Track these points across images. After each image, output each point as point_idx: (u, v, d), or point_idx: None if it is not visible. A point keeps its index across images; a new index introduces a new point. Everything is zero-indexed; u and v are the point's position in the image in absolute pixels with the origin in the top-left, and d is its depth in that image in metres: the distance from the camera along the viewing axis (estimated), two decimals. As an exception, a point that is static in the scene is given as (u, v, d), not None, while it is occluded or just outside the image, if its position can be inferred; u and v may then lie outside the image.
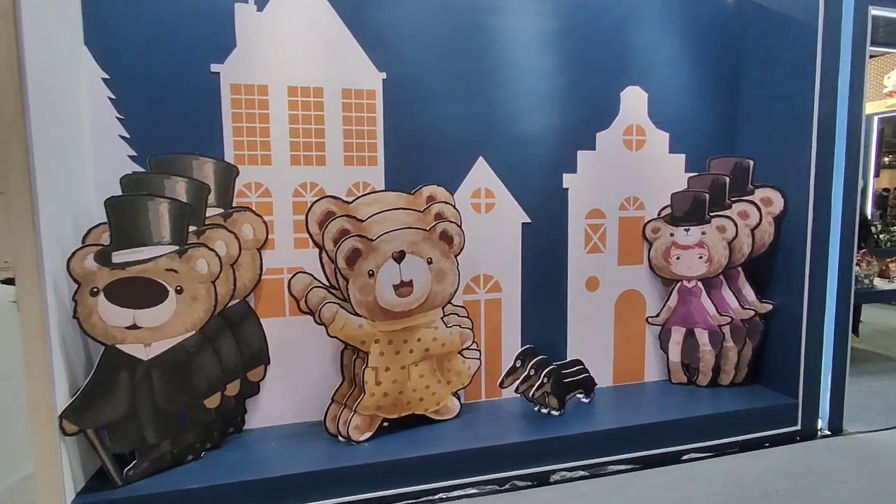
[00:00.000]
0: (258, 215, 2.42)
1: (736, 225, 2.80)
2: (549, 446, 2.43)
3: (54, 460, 1.91)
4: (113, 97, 2.26)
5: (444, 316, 2.59)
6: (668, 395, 2.93)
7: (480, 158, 2.72)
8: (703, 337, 2.93)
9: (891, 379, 3.66)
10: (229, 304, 2.33)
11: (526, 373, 2.52)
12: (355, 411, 2.35)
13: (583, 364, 2.79)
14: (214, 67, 2.36)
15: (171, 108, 2.32)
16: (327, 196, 2.39)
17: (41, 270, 1.84)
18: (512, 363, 2.55)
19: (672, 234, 2.93)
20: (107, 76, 2.25)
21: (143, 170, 2.25)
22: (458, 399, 2.65)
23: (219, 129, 2.39)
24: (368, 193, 2.50)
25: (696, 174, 2.97)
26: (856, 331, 4.92)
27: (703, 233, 2.87)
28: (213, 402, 2.21)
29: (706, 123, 3.06)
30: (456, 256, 2.51)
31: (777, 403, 2.80)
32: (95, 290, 1.94)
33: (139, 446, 2.08)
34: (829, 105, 2.63)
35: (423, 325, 2.47)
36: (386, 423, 2.46)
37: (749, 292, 2.95)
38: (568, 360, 2.79)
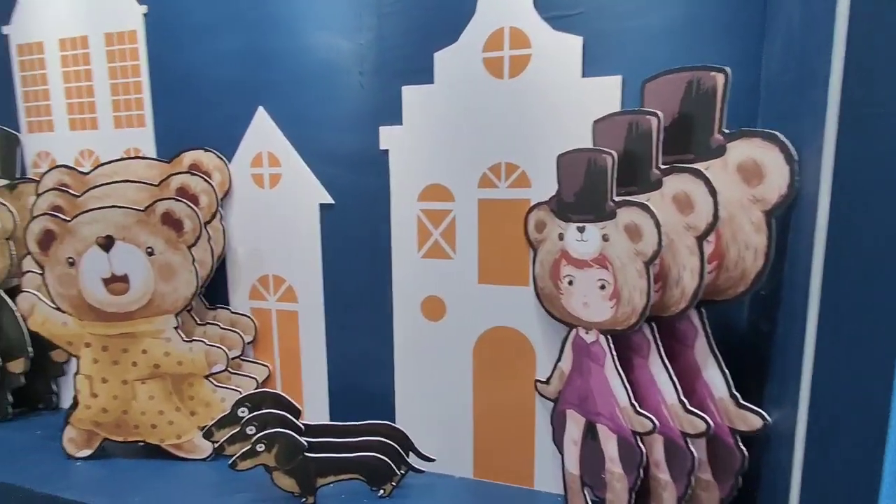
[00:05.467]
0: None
1: (658, 226, 1.24)
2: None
3: None
4: None
5: (202, 325, 1.97)
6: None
7: (260, 109, 1.90)
8: (609, 443, 1.47)
9: None
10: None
11: (240, 429, 1.69)
12: (68, 422, 1.99)
13: (388, 432, 1.75)
14: (5, 30, 2.23)
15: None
16: (60, 165, 2.03)
17: None
18: (231, 410, 1.75)
19: (561, 237, 1.51)
20: None
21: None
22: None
23: (12, 96, 2.27)
24: (114, 161, 2.02)
25: (608, 115, 1.43)
26: None
27: (605, 236, 1.38)
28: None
29: (680, 8, 1.44)
30: (190, 248, 1.84)
31: None
32: None
33: None
34: None
35: (148, 335, 1.91)
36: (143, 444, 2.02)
37: (717, 377, 1.31)
38: (359, 422, 1.77)
